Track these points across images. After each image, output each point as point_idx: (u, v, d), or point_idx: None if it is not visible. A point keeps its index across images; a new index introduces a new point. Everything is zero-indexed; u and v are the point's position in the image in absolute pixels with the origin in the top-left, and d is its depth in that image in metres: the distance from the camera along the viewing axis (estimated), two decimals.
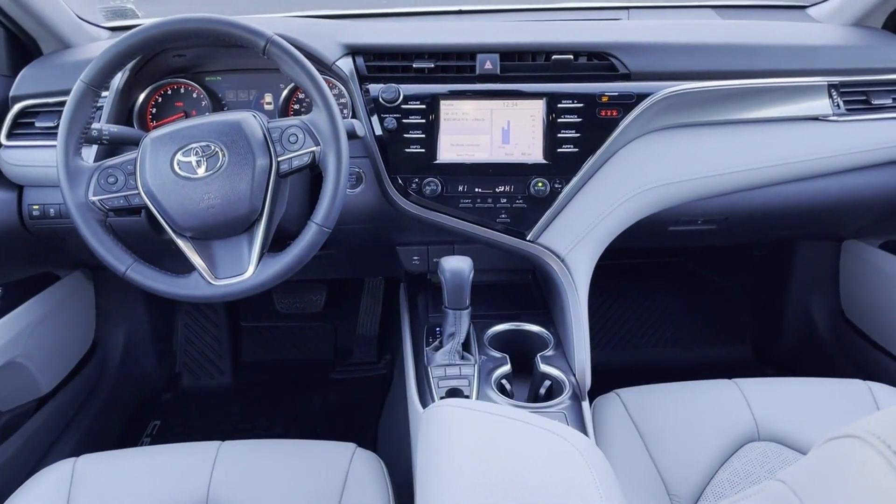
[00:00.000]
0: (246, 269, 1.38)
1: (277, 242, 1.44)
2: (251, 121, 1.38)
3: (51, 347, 1.83)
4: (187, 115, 1.73)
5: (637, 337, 2.40)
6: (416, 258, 1.77)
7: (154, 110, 1.73)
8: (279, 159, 1.37)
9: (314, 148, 1.37)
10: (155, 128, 1.42)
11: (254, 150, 1.35)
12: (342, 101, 1.71)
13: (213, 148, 1.35)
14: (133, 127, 1.67)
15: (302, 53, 1.50)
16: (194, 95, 1.73)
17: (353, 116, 1.64)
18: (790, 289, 2.25)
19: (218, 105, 1.74)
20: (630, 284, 2.46)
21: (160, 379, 2.36)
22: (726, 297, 2.46)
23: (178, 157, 1.35)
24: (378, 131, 1.57)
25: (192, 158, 1.34)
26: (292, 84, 1.69)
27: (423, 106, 1.58)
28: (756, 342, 2.43)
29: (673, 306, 2.44)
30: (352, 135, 1.44)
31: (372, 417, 2.23)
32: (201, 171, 1.34)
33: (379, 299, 2.47)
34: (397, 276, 1.90)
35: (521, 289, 1.84)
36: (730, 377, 1.51)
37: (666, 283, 2.48)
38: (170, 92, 1.73)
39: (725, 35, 1.65)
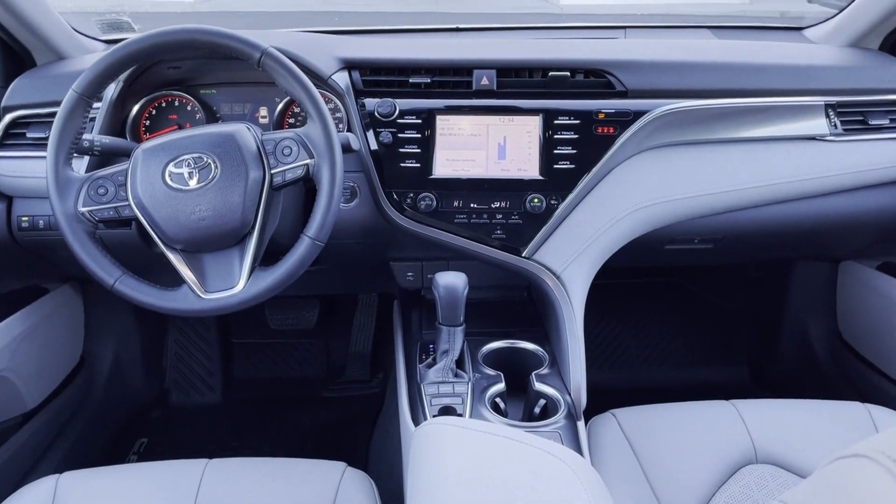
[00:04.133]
0: (237, 282, 1.35)
1: (270, 256, 1.42)
2: (245, 133, 1.37)
3: (37, 362, 1.79)
4: (181, 129, 1.72)
5: (633, 356, 2.38)
6: (410, 274, 1.75)
7: (147, 122, 1.72)
8: (272, 172, 1.36)
9: (308, 161, 1.36)
10: (148, 139, 1.41)
11: (247, 162, 1.33)
12: (337, 115, 1.70)
13: (205, 160, 1.33)
14: (126, 139, 1.66)
15: (297, 66, 1.49)
16: (189, 108, 1.72)
17: (349, 131, 1.63)
18: (787, 309, 2.23)
19: (212, 118, 1.72)
20: (626, 304, 2.44)
21: (149, 395, 2.32)
22: (723, 317, 2.44)
23: (170, 168, 1.33)
24: (373, 146, 1.56)
25: (184, 170, 1.33)
26: (287, 98, 1.68)
27: (419, 121, 1.57)
28: (753, 363, 2.41)
29: (669, 326, 2.42)
30: (346, 148, 1.43)
31: (363, 436, 2.19)
32: (193, 183, 1.32)
33: (372, 316, 2.44)
34: (391, 293, 1.88)
35: (516, 306, 1.82)
36: (727, 398, 1.49)
37: (662, 303, 2.46)
38: (164, 104, 1.72)
39: (722, 54, 1.65)
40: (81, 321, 2.07)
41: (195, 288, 1.35)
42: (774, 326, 2.30)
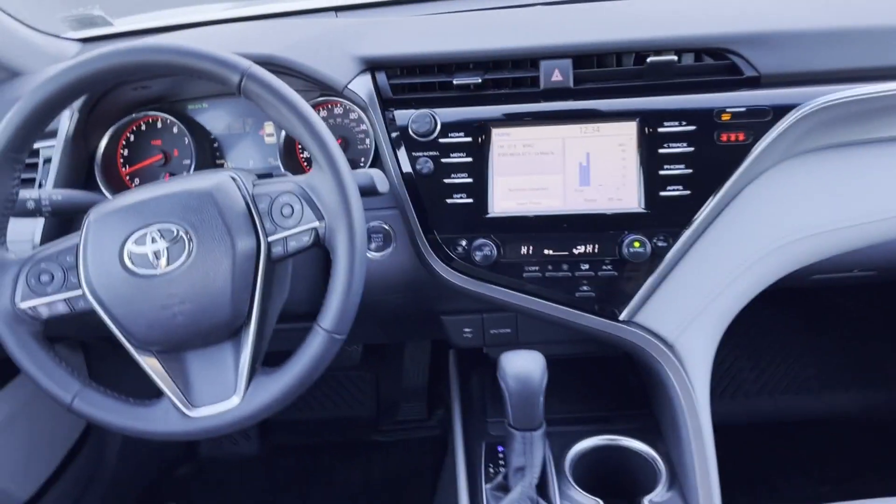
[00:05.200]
0: (232, 392, 1.00)
1: (280, 337, 1.06)
2: (227, 187, 0.98)
3: (26, 449, 1.50)
4: (168, 158, 1.35)
5: (749, 383, 1.94)
6: (467, 330, 1.36)
7: (126, 153, 1.35)
8: (270, 239, 0.98)
9: (315, 224, 0.98)
10: (99, 206, 1.03)
11: (231, 229, 0.96)
12: (362, 128, 1.30)
13: (175, 232, 0.96)
14: (97, 183, 1.29)
15: (303, 77, 1.09)
16: (174, 130, 1.34)
17: (376, 151, 1.23)
18: None
19: (204, 140, 1.34)
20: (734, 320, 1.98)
21: (174, 449, 2.03)
22: (862, 328, 1.96)
23: (130, 246, 0.96)
24: (408, 170, 1.16)
25: (148, 248, 0.96)
26: (313, 101, 1.28)
27: (469, 138, 1.15)
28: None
29: (793, 342, 1.96)
30: (370, 192, 1.03)
31: (426, 490, 1.85)
32: (162, 265, 0.96)
33: (427, 344, 2.07)
34: (446, 341, 1.50)
35: (609, 367, 1.40)
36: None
37: (783, 314, 1.99)
38: (143, 127, 1.35)
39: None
40: None
41: (178, 402, 1.00)
42: None
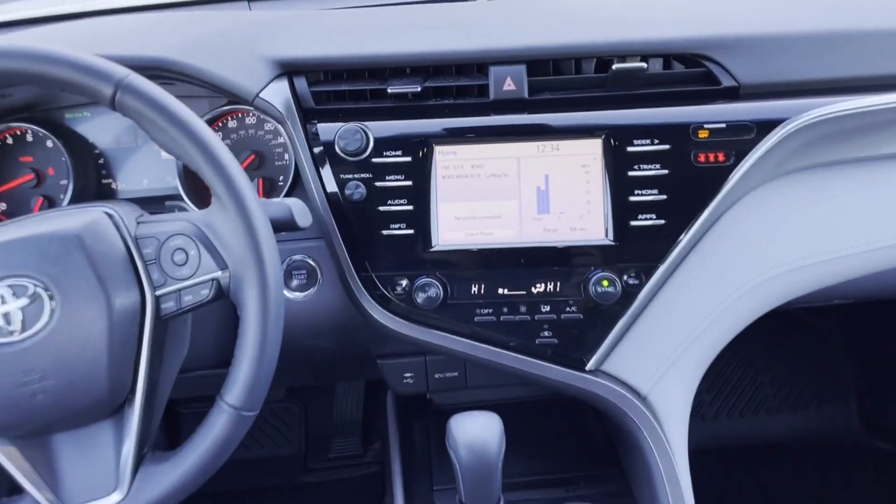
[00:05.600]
0: (113, 486, 0.80)
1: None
2: (100, 228, 0.78)
3: None
4: (41, 177, 1.11)
5: (705, 405, 1.83)
6: (408, 375, 1.18)
7: None
8: (158, 293, 0.78)
9: (217, 273, 0.78)
10: None
11: (106, 282, 0.76)
12: (279, 140, 1.10)
13: (31, 288, 0.74)
14: None
15: (203, 84, 0.89)
16: (48, 144, 1.11)
17: (296, 170, 1.03)
18: None
19: (86, 156, 1.12)
20: None
21: None
22: (822, 343, 1.87)
23: None
24: (334, 193, 0.97)
25: None
26: (218, 109, 1.08)
27: (408, 158, 0.97)
28: (864, 405, 1.87)
29: (751, 360, 1.86)
30: (287, 227, 0.84)
31: None
32: (16, 331, 0.74)
33: None
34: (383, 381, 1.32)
35: (570, 412, 1.25)
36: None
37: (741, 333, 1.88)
38: (10, 140, 1.11)
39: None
40: None
41: (43, 500, 0.79)
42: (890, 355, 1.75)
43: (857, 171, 1.00)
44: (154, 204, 1.04)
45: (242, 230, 0.76)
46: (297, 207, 0.85)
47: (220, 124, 1.12)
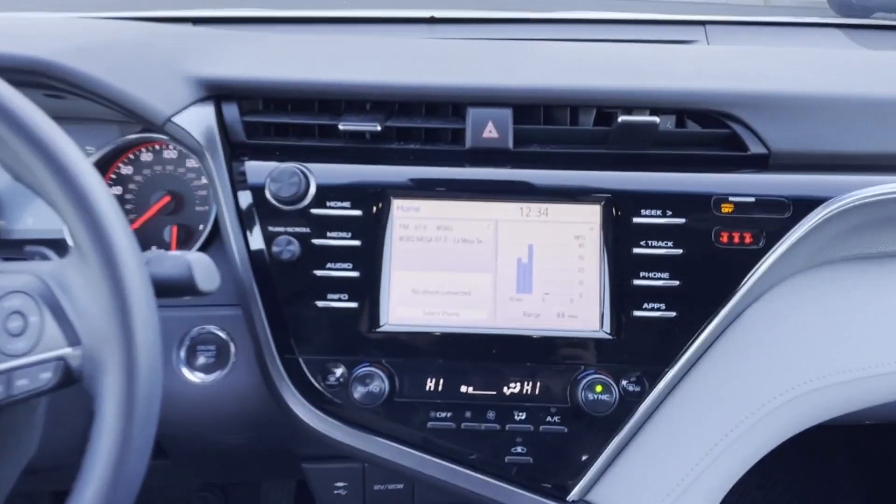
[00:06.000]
0: None
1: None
2: None
3: None
4: None
5: None
6: (340, 485, 0.93)
7: None
8: None
9: (64, 351, 0.55)
10: None
11: None
12: (204, 181, 0.90)
13: None
14: None
15: (101, 99, 0.70)
16: None
17: (216, 225, 0.83)
18: None
19: None
20: None
21: None
22: (823, 459, 1.66)
23: None
24: (259, 254, 0.76)
25: None
26: (126, 138, 0.88)
27: (357, 211, 0.77)
28: None
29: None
30: (183, 290, 0.62)
31: None
32: None
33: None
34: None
35: None
36: None
37: None
38: None
39: None
40: None
41: None
42: None
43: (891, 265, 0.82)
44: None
45: (106, 292, 0.54)
46: (199, 264, 0.63)
47: (131, 156, 0.91)
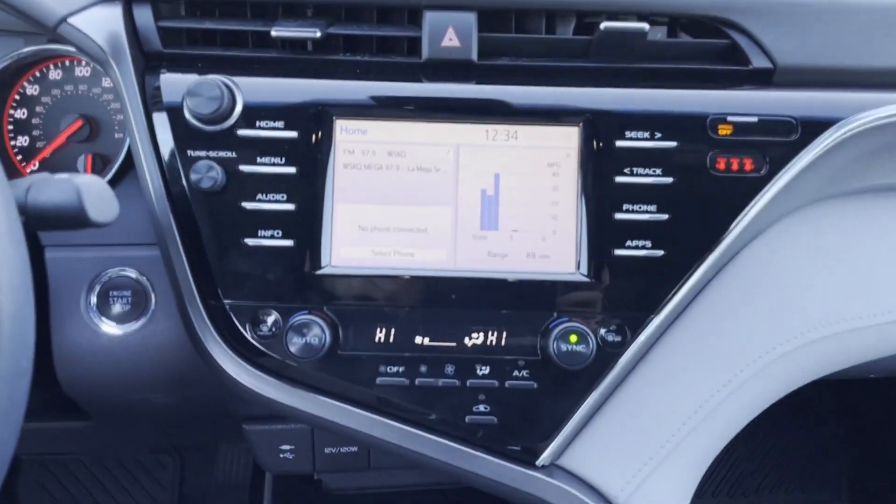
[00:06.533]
0: None
1: None
2: None
3: None
4: None
5: None
6: (286, 448, 0.84)
7: None
8: None
9: None
10: None
11: None
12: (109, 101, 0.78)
13: None
14: None
15: None
16: None
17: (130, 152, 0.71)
18: None
19: None
20: None
21: None
22: (814, 418, 1.60)
23: None
24: (178, 186, 0.64)
25: None
26: (25, 50, 0.75)
27: (293, 133, 0.66)
28: (857, 494, 1.59)
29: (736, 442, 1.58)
30: (73, 221, 0.52)
31: None
32: None
33: None
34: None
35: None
36: None
37: None
38: None
39: None
40: None
41: None
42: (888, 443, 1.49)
43: None
44: None
45: None
46: (91, 190, 0.52)
47: (38, 74, 0.78)
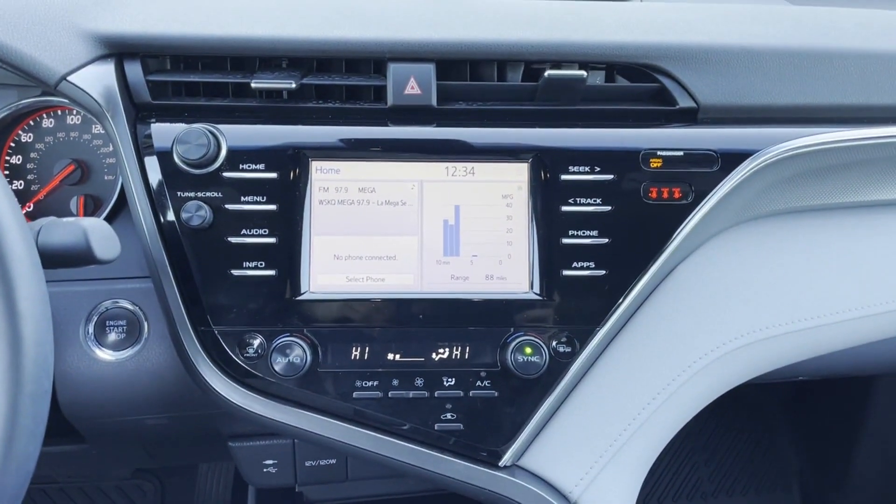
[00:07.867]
0: None
1: None
2: None
3: None
4: None
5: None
6: (269, 463, 0.90)
7: None
8: None
9: None
10: None
11: None
12: (111, 148, 0.84)
13: None
14: None
15: None
16: None
17: (122, 193, 0.78)
18: (865, 426, 1.52)
19: None
20: None
21: None
22: (763, 420, 1.70)
23: None
24: (169, 220, 0.71)
25: None
26: (23, 102, 0.82)
27: (273, 174, 0.73)
28: (808, 492, 1.69)
29: (684, 438, 1.67)
30: (80, 259, 0.58)
31: None
32: None
33: None
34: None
35: None
36: None
37: None
38: None
39: (875, 34, 0.86)
40: None
41: None
42: (843, 444, 1.59)
43: (845, 219, 0.81)
44: None
45: None
46: (95, 231, 0.59)
47: (31, 123, 0.85)
